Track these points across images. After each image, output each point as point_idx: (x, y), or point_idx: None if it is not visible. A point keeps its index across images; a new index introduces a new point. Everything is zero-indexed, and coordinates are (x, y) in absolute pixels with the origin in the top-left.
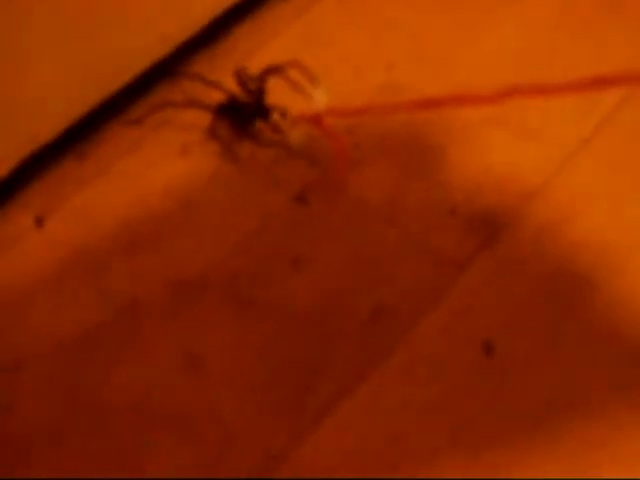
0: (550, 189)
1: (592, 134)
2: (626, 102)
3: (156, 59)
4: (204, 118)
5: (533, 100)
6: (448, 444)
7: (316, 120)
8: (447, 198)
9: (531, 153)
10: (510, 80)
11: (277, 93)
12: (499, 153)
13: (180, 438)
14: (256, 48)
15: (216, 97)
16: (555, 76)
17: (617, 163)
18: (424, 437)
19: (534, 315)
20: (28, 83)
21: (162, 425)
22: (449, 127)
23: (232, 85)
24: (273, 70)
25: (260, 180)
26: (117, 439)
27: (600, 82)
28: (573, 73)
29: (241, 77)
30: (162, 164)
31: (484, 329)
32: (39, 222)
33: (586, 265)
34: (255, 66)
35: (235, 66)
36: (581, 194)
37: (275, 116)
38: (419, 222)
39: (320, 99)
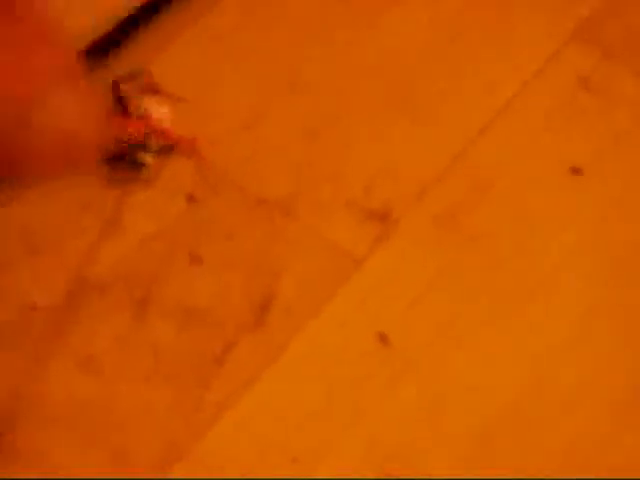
0: (447, 178)
1: (492, 120)
2: (527, 89)
3: None
4: None
5: (433, 85)
6: None
7: (163, 133)
8: (344, 191)
9: (429, 140)
10: (410, 66)
11: None
12: (396, 141)
13: (81, 438)
14: (159, 50)
15: None
16: (457, 59)
17: (515, 152)
18: (326, 422)
19: (430, 308)
20: None
21: (63, 425)
22: (344, 118)
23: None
24: (125, 79)
25: (150, 184)
26: (23, 443)
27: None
28: (474, 60)
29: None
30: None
31: (379, 322)
32: None
33: (480, 253)
34: (158, 68)
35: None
36: (479, 182)
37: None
38: (316, 215)
39: (162, 112)
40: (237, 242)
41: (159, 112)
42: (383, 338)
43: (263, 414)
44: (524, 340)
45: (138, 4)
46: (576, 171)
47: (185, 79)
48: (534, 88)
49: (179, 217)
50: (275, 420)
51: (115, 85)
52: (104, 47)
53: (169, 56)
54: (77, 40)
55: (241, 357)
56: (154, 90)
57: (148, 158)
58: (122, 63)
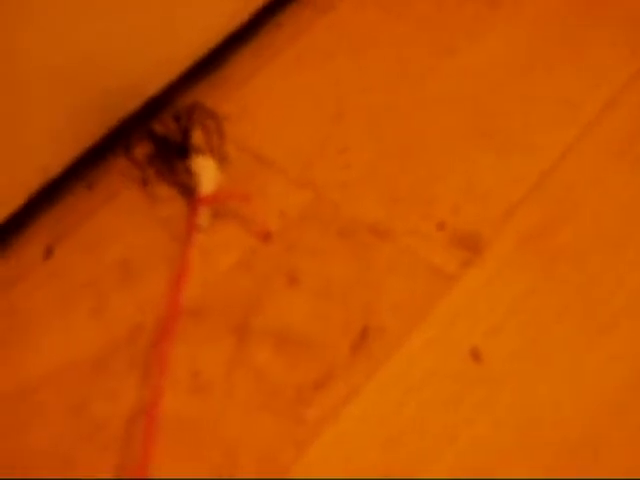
0: (532, 199)
1: (575, 141)
2: (608, 110)
3: (156, 91)
4: None
5: (514, 108)
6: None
7: (213, 199)
8: (435, 213)
9: (514, 164)
10: (491, 90)
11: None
12: (483, 165)
13: (187, 453)
14: (252, 75)
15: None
16: (537, 81)
17: (598, 173)
18: (419, 440)
19: (520, 326)
20: (35, 119)
21: (169, 440)
22: (429, 143)
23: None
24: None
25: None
26: (128, 452)
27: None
28: (554, 83)
29: (175, 117)
30: (166, 196)
31: (472, 340)
32: (49, 252)
33: (566, 273)
34: (250, 92)
35: (231, 93)
36: (564, 203)
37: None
38: (408, 237)
39: (207, 184)
40: (332, 264)
41: (208, 176)
42: (476, 356)
43: (358, 433)
44: (611, 358)
45: (229, 31)
46: None
47: (276, 104)
48: (616, 108)
49: (274, 238)
50: (369, 438)
51: (188, 113)
52: (195, 74)
53: (260, 81)
54: (172, 66)
55: (339, 377)
56: (212, 147)
57: (204, 220)
58: (214, 90)
